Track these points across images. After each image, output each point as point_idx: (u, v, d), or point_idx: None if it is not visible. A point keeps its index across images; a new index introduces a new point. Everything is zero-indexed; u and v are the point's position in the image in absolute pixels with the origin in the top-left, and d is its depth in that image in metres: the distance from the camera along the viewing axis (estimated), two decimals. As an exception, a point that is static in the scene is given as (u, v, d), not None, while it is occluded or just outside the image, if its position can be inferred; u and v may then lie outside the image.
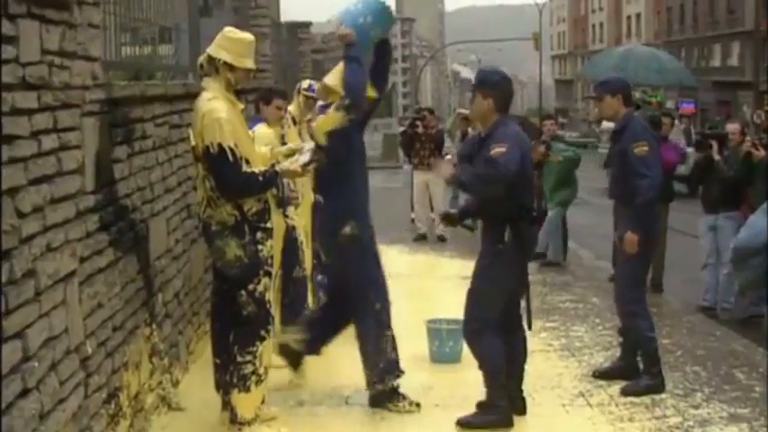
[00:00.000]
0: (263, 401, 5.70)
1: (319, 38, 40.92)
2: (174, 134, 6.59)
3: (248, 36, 5.67)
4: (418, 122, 15.30)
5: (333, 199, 6.17)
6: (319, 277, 8.86)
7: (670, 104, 45.93)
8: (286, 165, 5.82)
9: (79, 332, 4.36)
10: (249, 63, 5.53)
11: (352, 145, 6.13)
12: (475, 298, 5.95)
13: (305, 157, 5.84)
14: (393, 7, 6.57)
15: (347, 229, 6.03)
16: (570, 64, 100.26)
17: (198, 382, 6.42)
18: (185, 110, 6.75)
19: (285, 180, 7.50)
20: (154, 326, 5.82)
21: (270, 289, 5.62)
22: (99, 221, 4.74)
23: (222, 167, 5.27)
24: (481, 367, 5.96)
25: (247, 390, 5.52)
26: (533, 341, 8.19)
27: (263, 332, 5.54)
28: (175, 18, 7.77)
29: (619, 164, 6.93)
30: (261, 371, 5.56)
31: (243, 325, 5.50)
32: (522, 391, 6.15)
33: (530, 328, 6.15)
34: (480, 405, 5.96)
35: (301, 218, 7.91)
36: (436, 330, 7.47)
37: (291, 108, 8.19)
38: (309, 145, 6.16)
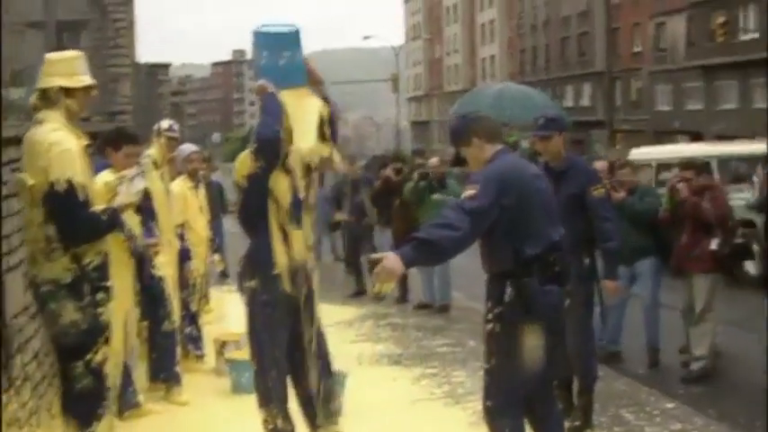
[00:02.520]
0: None
1: (176, 80, 40.34)
2: (30, 181, 6.07)
3: (73, 52, 5.08)
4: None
5: (249, 247, 5.65)
6: (187, 329, 8.45)
7: (525, 144, 46.78)
8: (120, 199, 5.19)
9: (-74, 406, 3.86)
10: (86, 79, 4.89)
11: (266, 194, 5.44)
12: (486, 370, 5.00)
13: (137, 185, 5.31)
14: (250, 48, 6.03)
15: (252, 283, 5.50)
16: (426, 106, 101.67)
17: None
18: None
19: (144, 227, 7.04)
20: (12, 391, 5.28)
21: (109, 359, 4.95)
22: (-51, 278, 4.25)
23: (70, 207, 4.61)
24: None
25: None
26: (413, 390, 7.97)
27: (99, 410, 4.89)
28: (27, 60, 7.30)
29: (570, 208, 6.33)
30: None
31: (76, 401, 4.85)
32: None
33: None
34: None
35: (168, 267, 7.50)
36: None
37: (152, 151, 7.79)
38: (133, 171, 5.69)
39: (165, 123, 7.97)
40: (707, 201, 8.67)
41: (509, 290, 4.78)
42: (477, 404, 7.32)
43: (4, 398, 5.13)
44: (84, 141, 4.94)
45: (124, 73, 10.33)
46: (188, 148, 8.63)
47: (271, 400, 5.64)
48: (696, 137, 48.28)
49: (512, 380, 4.88)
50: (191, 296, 8.53)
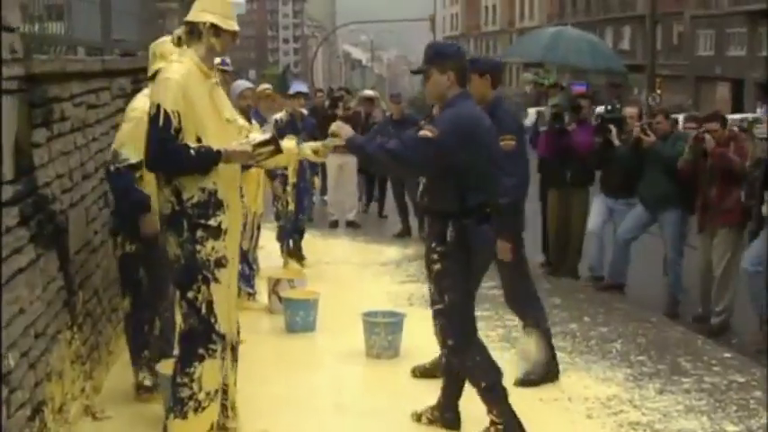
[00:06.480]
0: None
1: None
2: (91, 115, 5.97)
3: None
4: (340, 103, 14.76)
5: None
6: (238, 267, 8.41)
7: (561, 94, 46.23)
8: (234, 144, 4.73)
9: (-1, 343, 3.81)
10: (235, 25, 4.82)
11: None
12: (440, 311, 5.19)
13: (263, 137, 4.88)
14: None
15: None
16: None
17: (120, 385, 5.90)
18: (102, 88, 6.20)
19: None
20: (75, 328, 5.25)
21: (215, 301, 4.61)
22: (19, 215, 4.18)
23: (151, 131, 4.44)
24: (474, 387, 5.27)
25: (184, 416, 4.62)
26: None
27: (201, 350, 4.59)
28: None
29: None
30: (201, 396, 4.62)
31: (183, 341, 4.65)
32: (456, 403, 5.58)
33: None
34: (488, 430, 5.23)
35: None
36: (372, 324, 7.05)
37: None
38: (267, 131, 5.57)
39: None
40: (733, 151, 8.48)
41: (450, 229, 5.04)
42: (532, 349, 7.29)
43: (68, 335, 5.11)
44: (214, 79, 4.83)
45: (172, 9, 10.10)
46: (242, 84, 8.49)
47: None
48: (737, 84, 47.76)
49: (467, 313, 5.23)
50: (241, 234, 8.47)
